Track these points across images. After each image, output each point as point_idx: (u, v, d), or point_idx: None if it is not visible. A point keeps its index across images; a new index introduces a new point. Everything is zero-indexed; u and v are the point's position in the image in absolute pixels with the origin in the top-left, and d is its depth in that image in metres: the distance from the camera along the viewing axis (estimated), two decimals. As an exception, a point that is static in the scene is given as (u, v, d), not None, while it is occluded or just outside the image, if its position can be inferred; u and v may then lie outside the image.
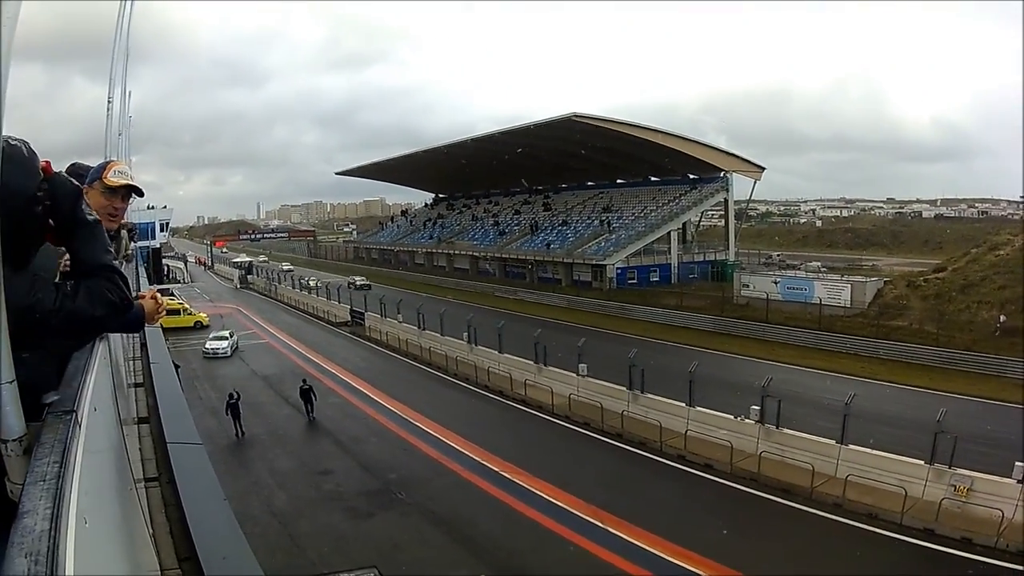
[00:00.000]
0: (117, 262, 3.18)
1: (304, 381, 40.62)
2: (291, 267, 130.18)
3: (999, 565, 21.42)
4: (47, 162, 2.89)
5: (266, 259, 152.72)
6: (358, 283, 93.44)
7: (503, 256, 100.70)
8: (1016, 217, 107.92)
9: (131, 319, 4.04)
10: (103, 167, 4.41)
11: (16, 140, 2.54)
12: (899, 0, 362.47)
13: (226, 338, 59.63)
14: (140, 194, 4.65)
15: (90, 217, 3.07)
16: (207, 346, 58.04)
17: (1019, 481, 22.99)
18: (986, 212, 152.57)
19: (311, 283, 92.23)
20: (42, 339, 2.78)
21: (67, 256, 3.26)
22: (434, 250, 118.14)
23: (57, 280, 3.12)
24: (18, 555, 1.61)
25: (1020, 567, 21.14)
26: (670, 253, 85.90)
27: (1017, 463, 23.24)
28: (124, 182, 4.38)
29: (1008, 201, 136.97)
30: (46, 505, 1.86)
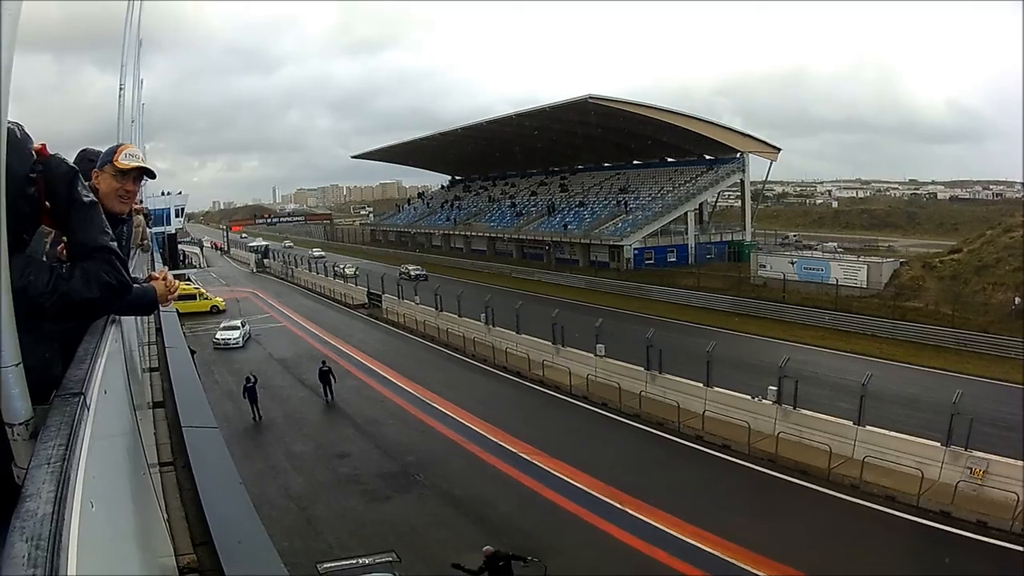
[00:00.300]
0: (115, 243, 3.16)
1: (323, 363, 41.00)
2: (322, 253, 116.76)
3: (1014, 549, 21.48)
4: (42, 145, 2.93)
5: (290, 244, 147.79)
6: (413, 273, 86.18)
7: (520, 237, 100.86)
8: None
9: (143, 301, 4.26)
10: (114, 150, 4.35)
11: (10, 123, 2.47)
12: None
13: (237, 327, 56.60)
14: (152, 176, 4.58)
15: (87, 198, 3.09)
16: (217, 336, 55.19)
17: (1034, 463, 23.05)
18: (1001, 194, 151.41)
19: (347, 271, 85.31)
20: (37, 321, 2.75)
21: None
22: (451, 232, 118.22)
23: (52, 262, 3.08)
24: (19, 539, 1.60)
25: None
26: (687, 234, 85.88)
27: (1033, 445, 23.32)
28: (135, 164, 4.30)
29: (1023, 183, 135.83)
30: (49, 489, 1.83)
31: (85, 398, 2.55)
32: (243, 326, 57.48)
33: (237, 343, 54.55)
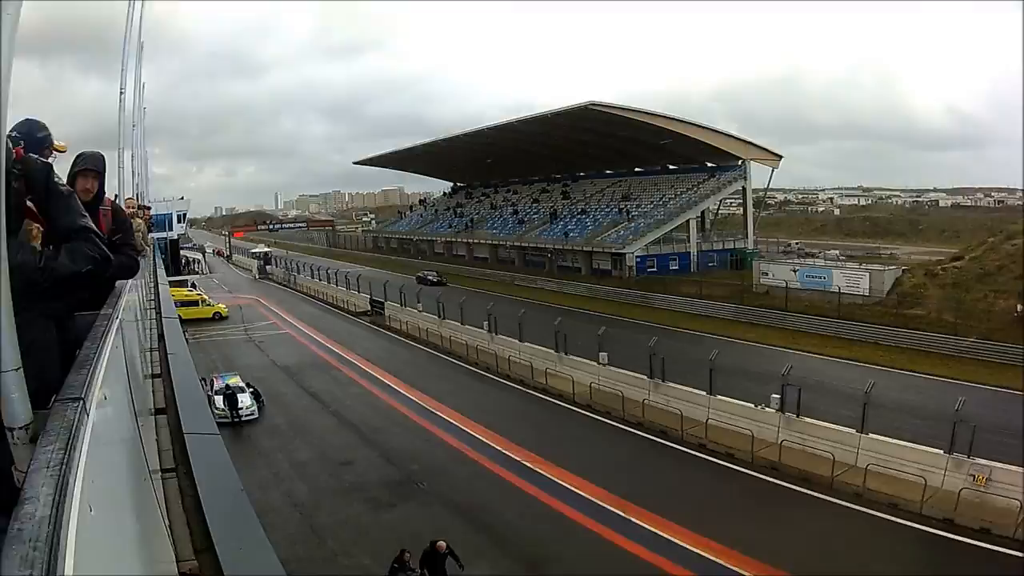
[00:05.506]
0: (92, 223, 3.56)
1: (227, 386, 38.29)
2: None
3: (1017, 556, 21.48)
4: (18, 148, 3.39)
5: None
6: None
7: (522, 244, 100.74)
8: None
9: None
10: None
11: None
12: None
13: (242, 388, 39.54)
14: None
15: (63, 188, 3.53)
16: (220, 404, 36.58)
17: (1037, 471, 23.04)
18: (1002, 201, 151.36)
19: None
20: (31, 303, 2.94)
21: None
22: (453, 239, 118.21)
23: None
24: (16, 541, 1.59)
25: None
26: (689, 241, 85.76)
27: (1035, 452, 23.29)
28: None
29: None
30: (48, 492, 1.83)
31: (85, 403, 2.57)
32: (247, 388, 40.13)
33: (251, 414, 38.39)
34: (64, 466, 1.98)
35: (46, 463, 1.99)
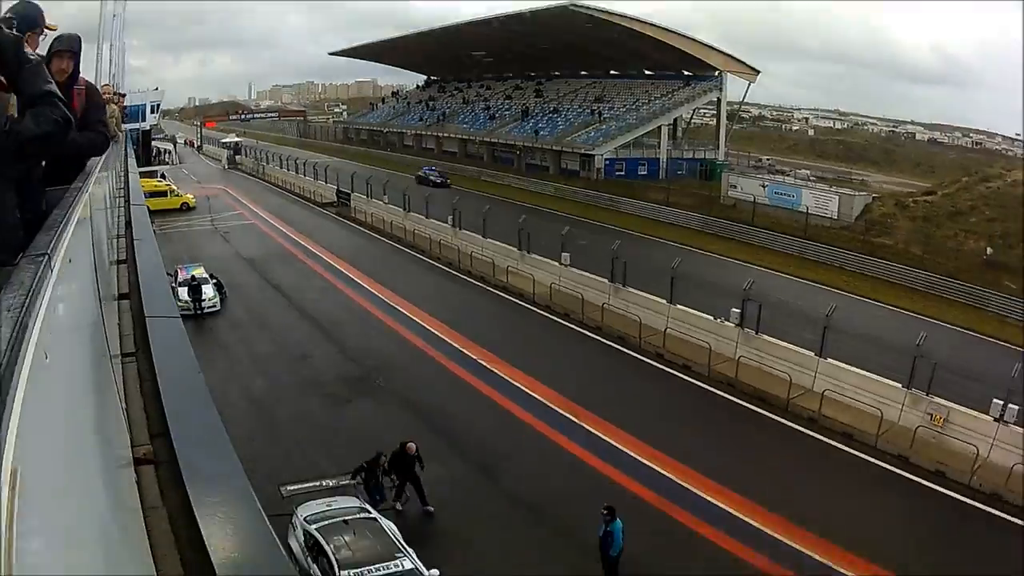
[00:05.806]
0: (56, 88, 3.66)
1: (193, 278, 37.30)
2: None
3: (971, 505, 21.36)
4: None
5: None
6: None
7: (492, 141, 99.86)
8: (1010, 153, 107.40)
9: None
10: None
11: None
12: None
13: (206, 279, 38.34)
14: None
15: (32, 58, 3.71)
16: (183, 296, 35.31)
17: (996, 419, 22.80)
18: (980, 143, 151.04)
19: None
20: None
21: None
22: (423, 132, 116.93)
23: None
24: None
25: (991, 509, 21.06)
26: (659, 148, 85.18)
27: (995, 400, 22.91)
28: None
29: (1003, 136, 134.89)
30: (6, 332, 1.87)
31: (50, 260, 2.74)
32: (211, 278, 39.02)
33: (213, 305, 37.60)
34: (24, 311, 2.06)
35: (7, 308, 2.06)
